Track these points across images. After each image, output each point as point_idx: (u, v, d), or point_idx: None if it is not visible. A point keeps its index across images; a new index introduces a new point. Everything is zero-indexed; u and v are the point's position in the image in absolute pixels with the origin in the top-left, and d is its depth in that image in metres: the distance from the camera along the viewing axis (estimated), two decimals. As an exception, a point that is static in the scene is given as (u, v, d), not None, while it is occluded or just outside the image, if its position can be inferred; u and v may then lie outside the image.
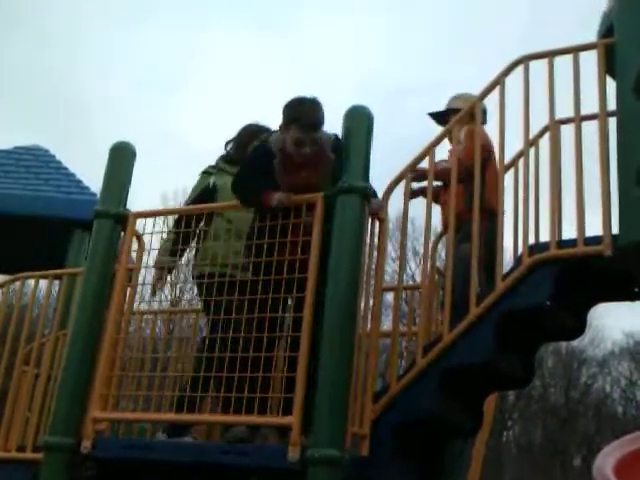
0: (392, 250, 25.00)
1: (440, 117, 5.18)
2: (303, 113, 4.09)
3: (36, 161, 8.90)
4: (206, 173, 4.89)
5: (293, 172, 4.18)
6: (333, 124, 4.17)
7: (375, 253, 4.13)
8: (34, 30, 50.12)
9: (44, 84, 48.37)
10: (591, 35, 4.34)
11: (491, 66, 4.46)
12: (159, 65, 49.16)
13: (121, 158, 4.61)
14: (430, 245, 4.27)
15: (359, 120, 4.05)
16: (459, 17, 47.66)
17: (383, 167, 4.68)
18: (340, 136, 4.10)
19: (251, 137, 4.84)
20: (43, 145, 9.27)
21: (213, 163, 4.97)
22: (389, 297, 7.44)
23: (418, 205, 4.70)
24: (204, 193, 4.78)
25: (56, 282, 5.60)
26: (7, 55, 48.59)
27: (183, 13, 51.58)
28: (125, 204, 4.55)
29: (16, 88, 47.06)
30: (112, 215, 4.45)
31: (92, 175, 4.94)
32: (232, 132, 5.05)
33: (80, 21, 52.13)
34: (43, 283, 5.64)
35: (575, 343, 31.82)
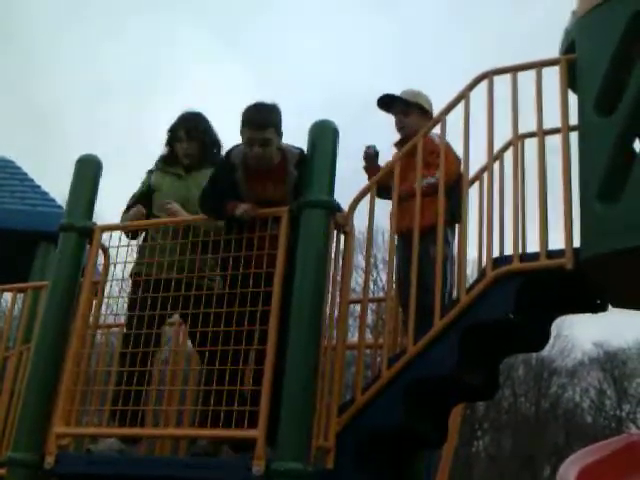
0: (362, 260, 25.01)
1: (388, 102, 5.03)
2: (251, 114, 4.13)
3: (1, 173, 8.78)
4: (149, 172, 4.86)
5: (255, 185, 4.22)
6: (300, 139, 4.22)
7: (341, 266, 4.14)
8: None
9: (9, 97, 48.14)
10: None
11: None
12: (128, 75, 49.00)
13: (87, 170, 4.59)
14: (394, 256, 4.27)
15: (324, 134, 4.07)
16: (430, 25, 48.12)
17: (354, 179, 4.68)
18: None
19: (173, 130, 4.81)
20: (9, 157, 9.19)
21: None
22: (357, 309, 7.45)
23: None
24: (144, 192, 4.76)
25: (20, 295, 5.53)
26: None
27: (150, 26, 51.60)
28: (91, 217, 4.53)
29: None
30: (77, 228, 4.43)
31: (63, 187, 4.89)
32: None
33: (48, 32, 51.89)
34: (7, 297, 5.57)
35: (545, 353, 32.03)
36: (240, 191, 4.23)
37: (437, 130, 4.46)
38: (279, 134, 4.20)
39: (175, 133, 4.79)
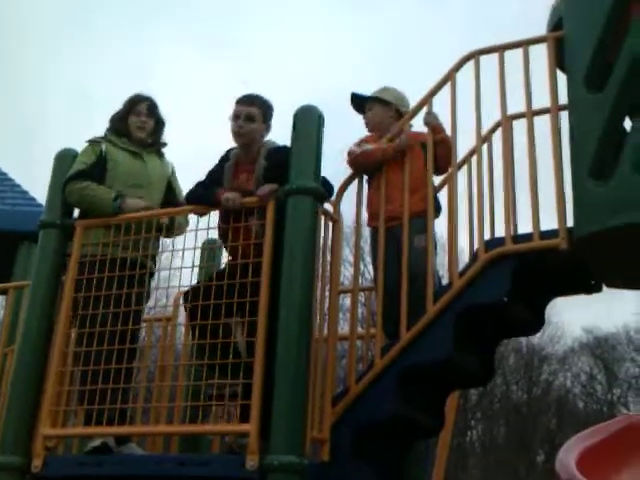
0: (350, 255, 24.98)
1: (361, 103, 5.00)
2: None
3: (-20, 173, 8.69)
4: (94, 142, 4.63)
5: (236, 175, 4.24)
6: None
7: (329, 255, 4.06)
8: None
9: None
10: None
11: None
12: (111, 82, 48.74)
13: (66, 166, 4.47)
14: (382, 243, 4.19)
15: (309, 120, 3.98)
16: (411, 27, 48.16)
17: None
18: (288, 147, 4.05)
19: (131, 105, 4.75)
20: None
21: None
22: (347, 301, 7.39)
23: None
24: (98, 161, 4.51)
25: (2, 297, 5.42)
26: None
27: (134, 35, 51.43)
28: (71, 213, 4.43)
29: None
30: (58, 225, 4.32)
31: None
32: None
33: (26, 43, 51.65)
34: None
35: (535, 340, 32.18)
36: (224, 181, 4.24)
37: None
38: (265, 123, 4.31)
39: (135, 106, 4.73)
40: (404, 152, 4.33)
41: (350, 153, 4.43)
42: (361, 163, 4.38)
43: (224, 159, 4.39)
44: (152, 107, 4.77)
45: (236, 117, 4.25)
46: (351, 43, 51.45)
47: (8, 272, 6.89)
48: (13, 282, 5.89)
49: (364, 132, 4.81)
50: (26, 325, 4.19)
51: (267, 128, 4.34)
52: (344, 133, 4.15)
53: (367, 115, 4.83)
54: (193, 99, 49.06)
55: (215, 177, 4.31)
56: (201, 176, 4.38)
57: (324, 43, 52.40)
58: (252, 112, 4.25)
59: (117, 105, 4.81)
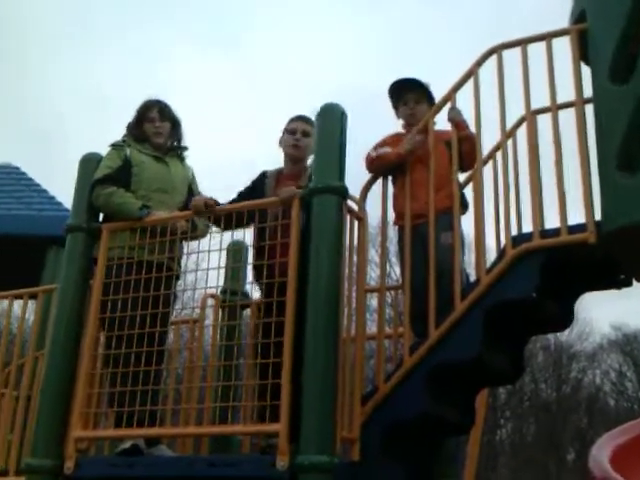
0: (375, 255, 24.94)
1: (399, 92, 4.94)
2: (297, 115, 4.61)
3: (7, 179, 8.77)
4: (118, 146, 4.66)
5: (280, 187, 4.28)
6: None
7: (355, 254, 4.05)
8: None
9: (12, 110, 48.40)
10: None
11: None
12: (123, 83, 49.05)
13: (91, 169, 4.50)
14: (408, 241, 4.17)
15: (332, 118, 3.97)
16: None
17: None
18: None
19: (142, 113, 4.78)
20: (15, 163, 9.17)
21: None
22: (374, 302, 7.39)
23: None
24: (123, 165, 4.54)
25: (32, 302, 5.44)
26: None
27: (145, 37, 51.63)
28: (98, 216, 4.46)
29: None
30: (84, 228, 4.35)
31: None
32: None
33: (54, 46, 52.18)
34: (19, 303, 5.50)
35: (563, 338, 31.98)
36: (266, 193, 4.39)
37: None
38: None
39: (146, 113, 4.76)
40: (426, 150, 4.30)
41: (367, 158, 4.45)
42: (378, 166, 4.41)
43: (259, 180, 4.54)
44: (163, 110, 4.80)
45: (293, 132, 4.51)
46: (358, 42, 51.57)
47: (37, 277, 6.96)
48: (42, 286, 5.95)
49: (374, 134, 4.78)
50: (55, 328, 4.22)
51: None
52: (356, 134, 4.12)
53: (416, 107, 4.74)
54: (206, 99, 49.18)
55: (249, 196, 4.42)
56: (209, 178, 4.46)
57: (326, 43, 52.47)
58: (308, 129, 4.48)
59: (133, 106, 4.86)
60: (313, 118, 4.17)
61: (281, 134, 4.61)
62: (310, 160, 4.46)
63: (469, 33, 43.75)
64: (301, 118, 4.55)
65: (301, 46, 53.68)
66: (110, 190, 4.39)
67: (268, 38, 51.94)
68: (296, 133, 4.49)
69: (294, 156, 4.51)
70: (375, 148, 4.52)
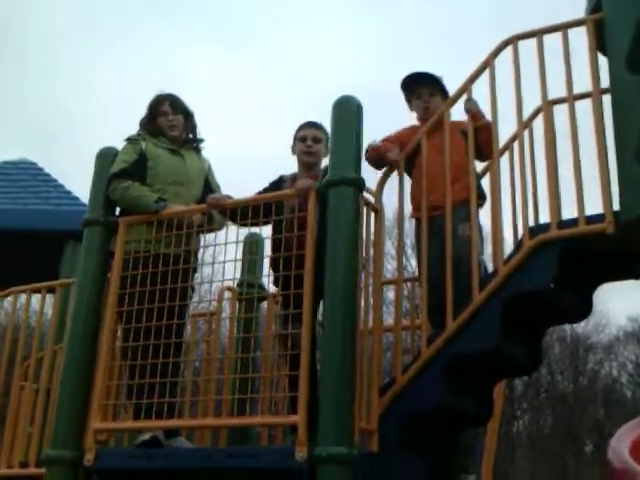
0: (392, 248, 24.93)
1: (411, 85, 4.93)
2: (307, 121, 4.66)
3: (24, 174, 8.82)
4: (134, 140, 4.68)
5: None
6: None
7: (372, 246, 4.05)
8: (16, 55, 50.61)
9: (27, 110, 48.68)
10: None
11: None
12: (137, 82, 49.20)
13: (107, 163, 4.52)
14: (425, 231, 4.17)
15: (348, 110, 3.96)
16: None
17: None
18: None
19: (154, 108, 4.80)
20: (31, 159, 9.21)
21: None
22: (390, 294, 7.38)
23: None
24: (139, 159, 4.56)
25: (50, 296, 5.48)
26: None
27: (157, 33, 51.80)
28: (114, 210, 4.48)
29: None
30: (101, 222, 4.38)
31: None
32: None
33: (59, 46, 52.37)
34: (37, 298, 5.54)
35: (580, 329, 31.86)
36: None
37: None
38: (326, 148, 4.52)
39: (158, 107, 4.78)
40: (443, 140, 4.28)
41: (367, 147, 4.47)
42: (368, 158, 4.44)
43: (276, 183, 4.57)
44: (175, 103, 4.82)
45: (304, 139, 4.56)
46: (358, 41, 51.51)
47: (55, 271, 7.01)
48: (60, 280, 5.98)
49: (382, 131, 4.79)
50: (73, 322, 4.24)
51: (326, 153, 4.52)
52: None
53: (430, 100, 4.73)
54: (220, 97, 49.28)
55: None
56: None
57: (326, 41, 52.55)
58: (319, 135, 4.56)
59: (139, 103, 4.88)
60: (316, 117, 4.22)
61: (292, 142, 4.64)
62: (324, 164, 4.48)
63: (471, 32, 43.66)
64: (310, 124, 4.61)
65: (302, 45, 53.61)
66: (126, 184, 4.41)
67: (269, 37, 52.10)
68: (307, 140, 4.54)
69: (308, 162, 4.55)
70: (383, 140, 4.53)
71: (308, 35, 52.89)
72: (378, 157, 4.41)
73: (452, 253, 3.99)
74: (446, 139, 4.21)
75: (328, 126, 4.12)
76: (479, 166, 4.55)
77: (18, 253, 7.86)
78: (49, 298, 5.28)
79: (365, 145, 4.25)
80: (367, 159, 4.44)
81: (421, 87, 4.75)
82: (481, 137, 4.29)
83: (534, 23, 4.10)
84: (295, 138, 4.62)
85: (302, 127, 4.62)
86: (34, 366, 5.11)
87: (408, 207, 4.53)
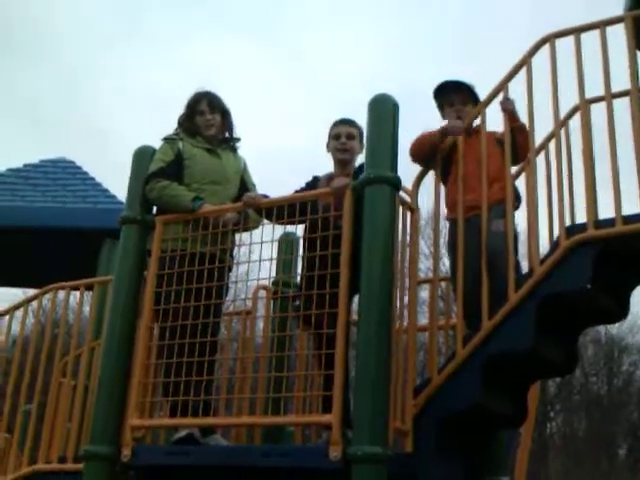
0: (425, 247, 24.87)
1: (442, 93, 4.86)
2: (340, 118, 4.65)
3: (63, 173, 8.96)
4: (171, 140, 4.72)
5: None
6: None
7: (407, 245, 4.05)
8: (54, 62, 51.22)
9: (66, 105, 49.26)
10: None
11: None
12: (174, 82, 49.51)
13: (145, 162, 4.57)
14: (461, 230, 4.16)
15: (384, 109, 3.95)
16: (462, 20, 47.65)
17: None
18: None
19: (192, 106, 4.83)
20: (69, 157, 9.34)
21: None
22: (424, 294, 7.37)
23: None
24: (176, 159, 4.61)
25: (89, 293, 5.55)
26: (32, 85, 49.33)
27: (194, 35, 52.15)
28: (151, 209, 4.52)
29: (42, 116, 47.84)
30: (139, 220, 4.43)
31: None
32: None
33: (95, 48, 52.90)
34: (75, 295, 5.61)
35: (614, 331, 31.47)
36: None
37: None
38: (360, 143, 4.56)
39: (196, 107, 4.82)
40: (478, 148, 4.26)
41: (409, 148, 4.46)
42: (416, 151, 4.43)
43: (311, 184, 4.58)
44: (212, 102, 4.84)
45: (337, 137, 4.55)
46: (407, 39, 51.25)
47: (92, 268, 7.10)
48: (98, 278, 6.06)
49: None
50: (111, 319, 4.29)
51: (361, 149, 4.54)
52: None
53: (463, 109, 4.70)
54: (254, 95, 49.41)
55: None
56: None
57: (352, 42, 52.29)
58: (352, 132, 4.55)
59: (182, 101, 4.90)
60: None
61: (327, 140, 4.65)
62: (359, 161, 4.49)
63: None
64: (343, 122, 4.61)
65: (329, 44, 53.53)
66: (164, 183, 4.46)
67: (298, 34, 52.04)
68: (341, 137, 4.54)
69: (343, 159, 4.55)
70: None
71: (332, 35, 52.78)
72: (424, 146, 4.40)
73: (486, 249, 3.98)
74: (482, 139, 4.19)
75: (362, 123, 4.13)
76: (514, 167, 4.52)
77: (56, 251, 7.98)
78: (87, 295, 5.33)
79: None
80: (414, 153, 4.43)
81: (453, 95, 4.75)
82: (518, 140, 4.27)
83: (572, 21, 4.09)
84: (329, 136, 4.63)
85: (335, 124, 4.63)
86: (72, 363, 5.17)
87: (443, 207, 4.52)
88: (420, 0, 51.47)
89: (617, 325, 29.84)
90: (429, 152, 4.40)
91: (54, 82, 51.79)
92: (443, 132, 4.39)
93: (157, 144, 4.71)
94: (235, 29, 54.86)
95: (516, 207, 4.31)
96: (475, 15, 47.89)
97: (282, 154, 45.85)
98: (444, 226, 4.75)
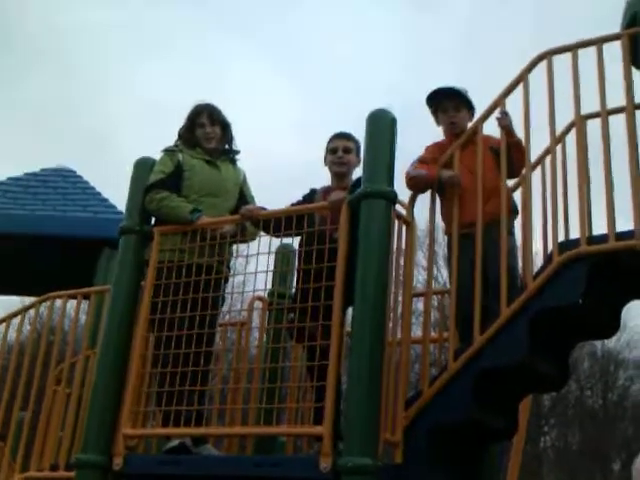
0: (423, 259, 24.85)
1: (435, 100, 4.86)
2: (337, 132, 4.69)
3: (63, 182, 8.97)
4: (170, 151, 4.75)
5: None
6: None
7: (403, 258, 4.07)
8: (57, 63, 51.31)
9: (68, 114, 49.36)
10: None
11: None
12: (178, 91, 49.59)
13: (144, 173, 4.60)
14: (455, 246, 4.18)
15: (382, 123, 3.99)
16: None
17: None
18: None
19: (192, 119, 4.86)
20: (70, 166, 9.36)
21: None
22: (419, 305, 7.38)
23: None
24: (176, 170, 4.63)
25: (86, 301, 5.56)
26: (32, 88, 49.34)
27: (201, 42, 52.26)
28: (150, 219, 4.55)
29: (42, 119, 47.96)
30: (137, 231, 4.45)
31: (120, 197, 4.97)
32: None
33: (100, 55, 52.99)
34: (72, 303, 5.62)
35: (611, 345, 31.43)
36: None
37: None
38: (357, 157, 4.58)
39: (197, 119, 4.84)
40: (473, 158, 4.29)
41: (406, 176, 4.47)
42: (414, 187, 4.45)
43: (308, 196, 4.61)
44: (212, 114, 4.87)
45: (334, 150, 4.58)
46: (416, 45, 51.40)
47: (90, 277, 7.11)
48: (95, 286, 6.08)
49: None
50: (107, 328, 4.31)
51: (358, 162, 4.56)
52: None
53: (458, 115, 4.74)
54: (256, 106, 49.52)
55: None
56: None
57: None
58: (349, 145, 4.59)
59: (184, 113, 4.93)
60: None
61: (324, 154, 4.67)
62: (356, 174, 4.51)
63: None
64: (340, 135, 4.64)
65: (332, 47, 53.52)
66: (163, 195, 4.49)
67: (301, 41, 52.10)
68: (338, 151, 4.57)
69: (340, 173, 4.58)
70: (413, 164, 4.54)
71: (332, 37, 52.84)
72: (423, 186, 4.43)
73: (481, 269, 4.01)
74: (478, 158, 4.22)
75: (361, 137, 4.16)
76: (510, 181, 4.55)
77: (55, 259, 8.00)
78: (84, 304, 5.35)
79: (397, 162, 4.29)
80: (412, 187, 4.44)
81: (446, 101, 4.77)
82: (515, 155, 4.29)
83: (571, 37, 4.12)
84: (326, 150, 4.66)
85: (332, 139, 4.66)
86: (67, 370, 5.18)
87: (439, 221, 4.55)
88: (428, 8, 51.41)
89: (614, 340, 29.82)
90: (425, 188, 4.46)
91: (56, 91, 51.85)
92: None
93: (157, 156, 4.74)
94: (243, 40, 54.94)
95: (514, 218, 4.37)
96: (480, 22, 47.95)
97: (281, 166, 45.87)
98: (443, 239, 4.78)
